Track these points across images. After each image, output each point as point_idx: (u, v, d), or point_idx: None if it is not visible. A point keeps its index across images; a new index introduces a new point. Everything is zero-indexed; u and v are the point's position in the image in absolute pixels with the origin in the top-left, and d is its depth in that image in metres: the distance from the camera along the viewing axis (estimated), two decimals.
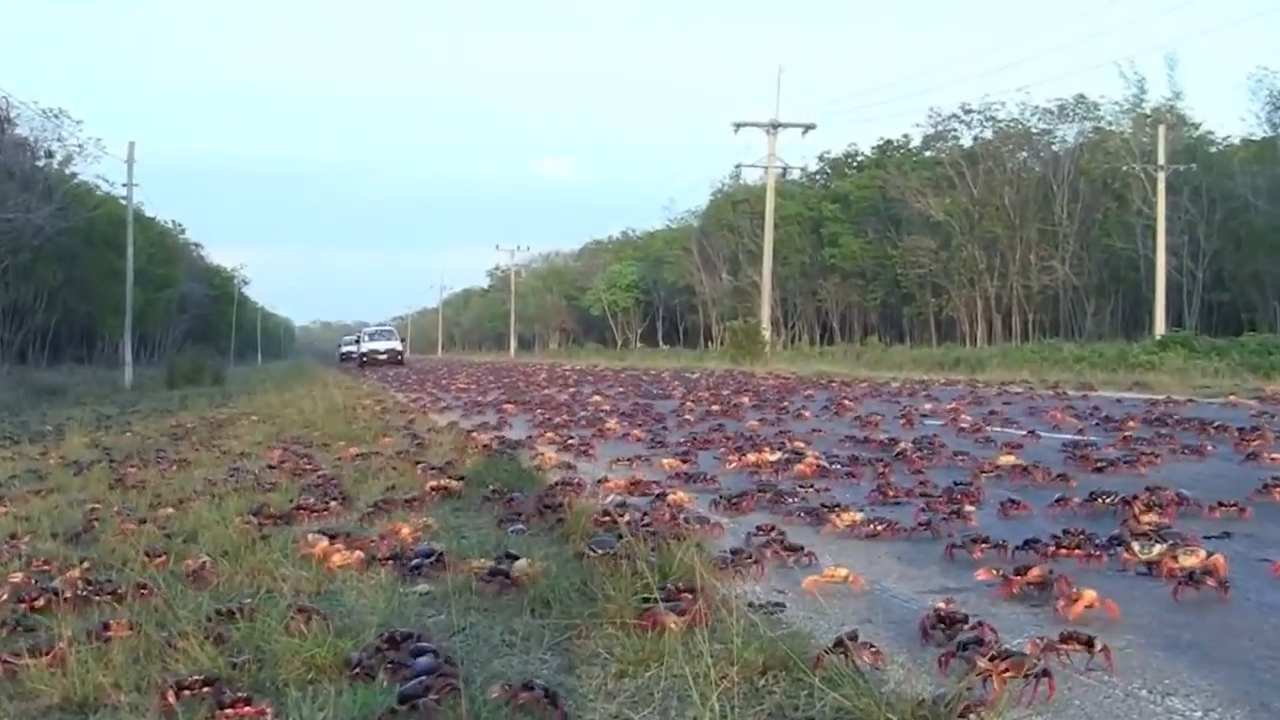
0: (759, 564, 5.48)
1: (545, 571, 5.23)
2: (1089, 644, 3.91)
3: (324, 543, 5.95)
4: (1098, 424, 13.62)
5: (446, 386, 29.43)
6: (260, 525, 6.84)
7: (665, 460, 10.11)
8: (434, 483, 8.55)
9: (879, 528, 6.59)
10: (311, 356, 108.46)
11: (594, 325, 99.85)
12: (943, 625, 4.25)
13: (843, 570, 5.25)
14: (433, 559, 5.60)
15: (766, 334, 46.88)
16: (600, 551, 5.39)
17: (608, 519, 6.50)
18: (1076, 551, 5.66)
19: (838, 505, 7.22)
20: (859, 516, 6.80)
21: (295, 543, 6.16)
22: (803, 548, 5.87)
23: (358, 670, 3.88)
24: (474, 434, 13.38)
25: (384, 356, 58.12)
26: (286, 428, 15.36)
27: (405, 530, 6.51)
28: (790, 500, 7.76)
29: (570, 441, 12.35)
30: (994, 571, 5.13)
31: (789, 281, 70.19)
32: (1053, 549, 5.67)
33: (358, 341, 65.68)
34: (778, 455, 10.30)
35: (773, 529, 6.26)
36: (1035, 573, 4.99)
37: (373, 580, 5.39)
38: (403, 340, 64.91)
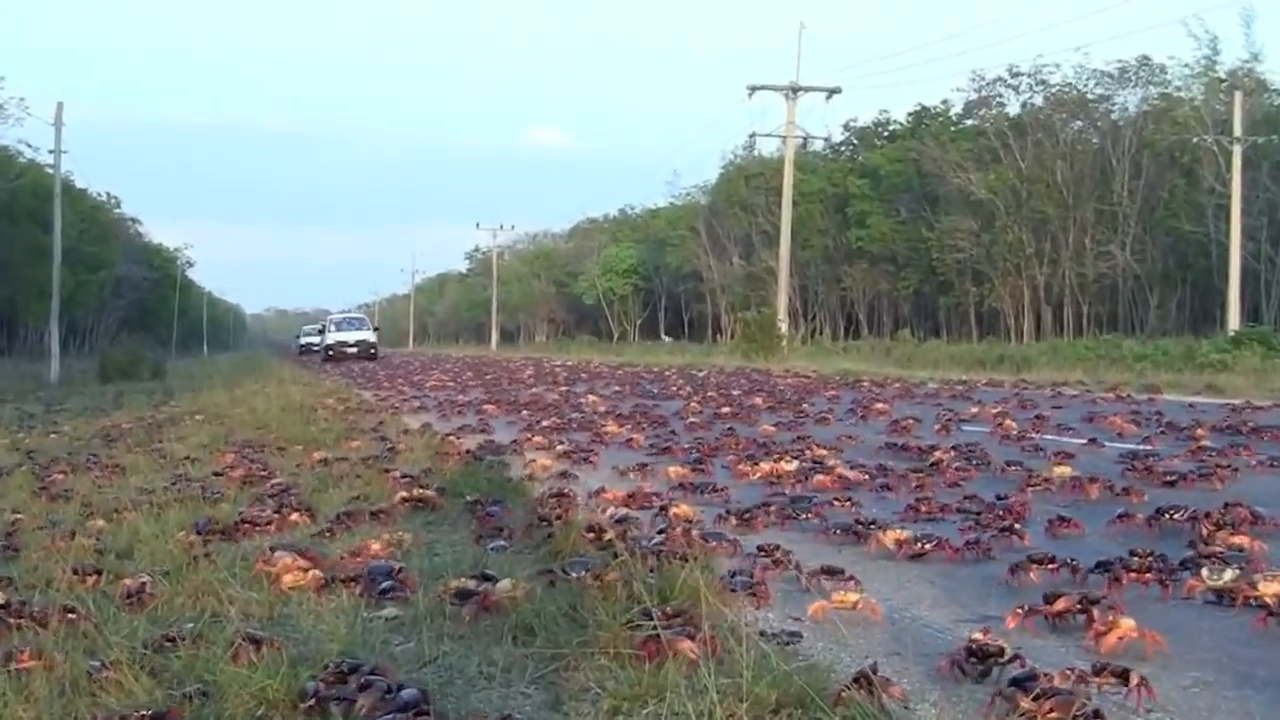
0: (762, 587, 5.48)
1: (530, 594, 5.24)
2: (1124, 676, 3.91)
3: (286, 559, 5.96)
4: (1162, 431, 13.63)
5: (420, 384, 29.46)
6: (205, 540, 6.85)
7: (671, 469, 10.14)
8: (405, 493, 8.56)
9: (927, 546, 6.60)
10: (265, 348, 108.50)
11: (587, 315, 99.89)
12: (976, 659, 4.24)
13: (852, 595, 5.26)
14: (394, 576, 5.60)
15: (783, 326, 46.95)
16: (587, 571, 5.41)
17: (598, 535, 6.53)
18: (1147, 575, 5.65)
19: (873, 521, 7.24)
20: (904, 534, 6.81)
21: (245, 560, 6.17)
22: (842, 570, 5.80)
23: (313, 704, 3.89)
24: (452, 438, 13.41)
25: (354, 349, 55.82)
26: (236, 429, 15.38)
27: (376, 546, 6.53)
28: (807, 516, 7.79)
29: (561, 447, 12.37)
30: (1020, 612, 5.09)
31: (809, 267, 70.27)
32: (1118, 574, 5.66)
33: (322, 331, 64.20)
34: (796, 464, 10.31)
35: (776, 548, 6.28)
36: (1064, 603, 4.98)
37: (333, 603, 5.40)
38: (376, 330, 63.42)
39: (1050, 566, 5.88)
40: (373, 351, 56.45)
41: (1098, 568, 5.81)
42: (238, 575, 5.81)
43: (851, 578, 5.66)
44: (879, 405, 17.91)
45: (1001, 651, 4.23)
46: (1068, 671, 3.91)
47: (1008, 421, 14.60)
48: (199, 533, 7.07)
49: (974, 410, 17.01)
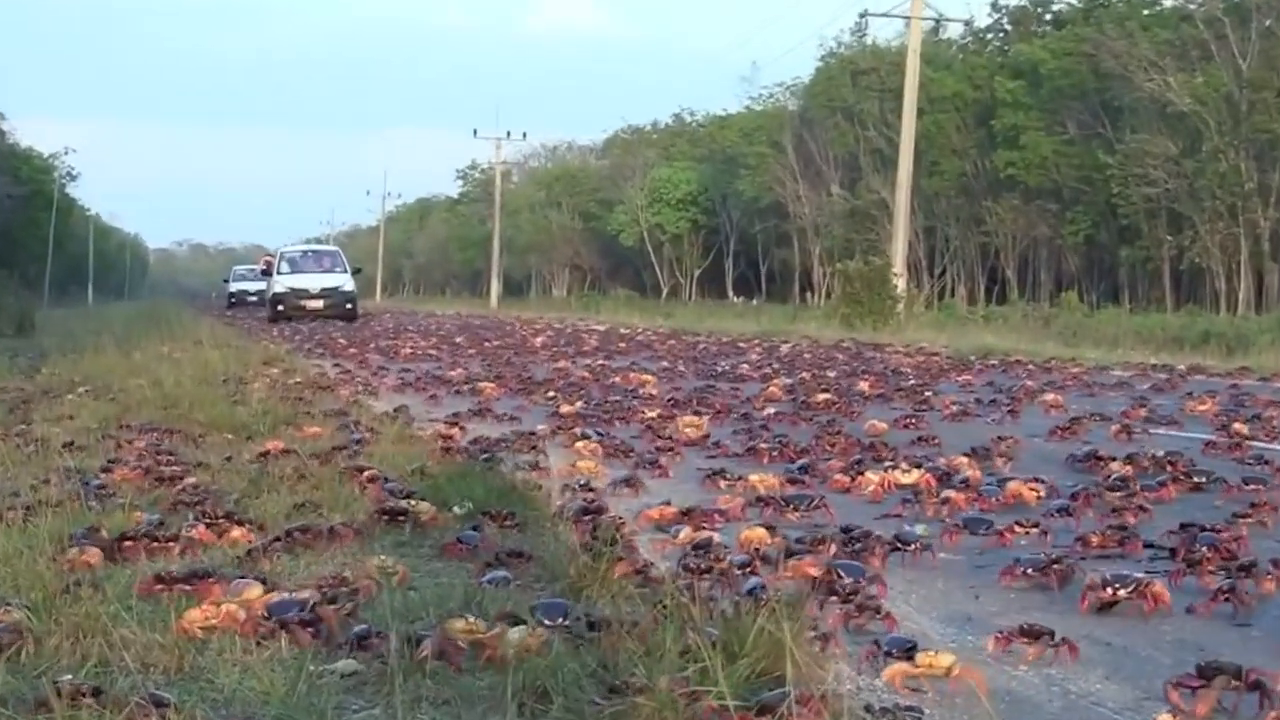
0: (830, 639, 5.57)
1: (545, 645, 5.28)
2: None
3: (246, 594, 6.01)
4: None
5: (391, 352, 29.51)
6: (89, 561, 6.85)
7: (755, 477, 10.14)
8: (375, 501, 8.69)
9: (1120, 592, 6.60)
10: (176, 297, 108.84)
11: (625, 262, 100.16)
12: None
13: (945, 658, 5.27)
14: (312, 611, 5.66)
15: (900, 283, 46.74)
16: (623, 617, 5.48)
17: (642, 569, 6.63)
18: None
19: (1056, 561, 7.27)
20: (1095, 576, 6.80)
21: (145, 586, 6.20)
22: (1050, 632, 5.80)
23: None
24: (443, 428, 13.50)
25: (320, 302, 51.12)
26: (135, 407, 15.41)
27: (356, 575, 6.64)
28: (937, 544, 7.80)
29: (593, 444, 12.43)
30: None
31: (939, 201, 70.06)
32: None
33: (267, 273, 58.49)
34: (915, 474, 10.29)
35: (856, 589, 6.42)
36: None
37: (268, 651, 5.41)
38: (358, 272, 58.74)
39: None
40: (350, 307, 52.09)
41: None
42: (135, 610, 5.82)
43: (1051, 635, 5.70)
44: (1049, 397, 17.80)
45: None
46: None
47: (1237, 425, 14.49)
48: (80, 549, 7.07)
49: (1203, 406, 16.85)
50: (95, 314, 62.11)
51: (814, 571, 6.85)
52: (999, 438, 12.95)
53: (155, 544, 7.44)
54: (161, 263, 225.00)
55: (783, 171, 77.60)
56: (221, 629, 5.64)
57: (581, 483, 10.14)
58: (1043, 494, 9.74)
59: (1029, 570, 7.27)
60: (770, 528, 8.08)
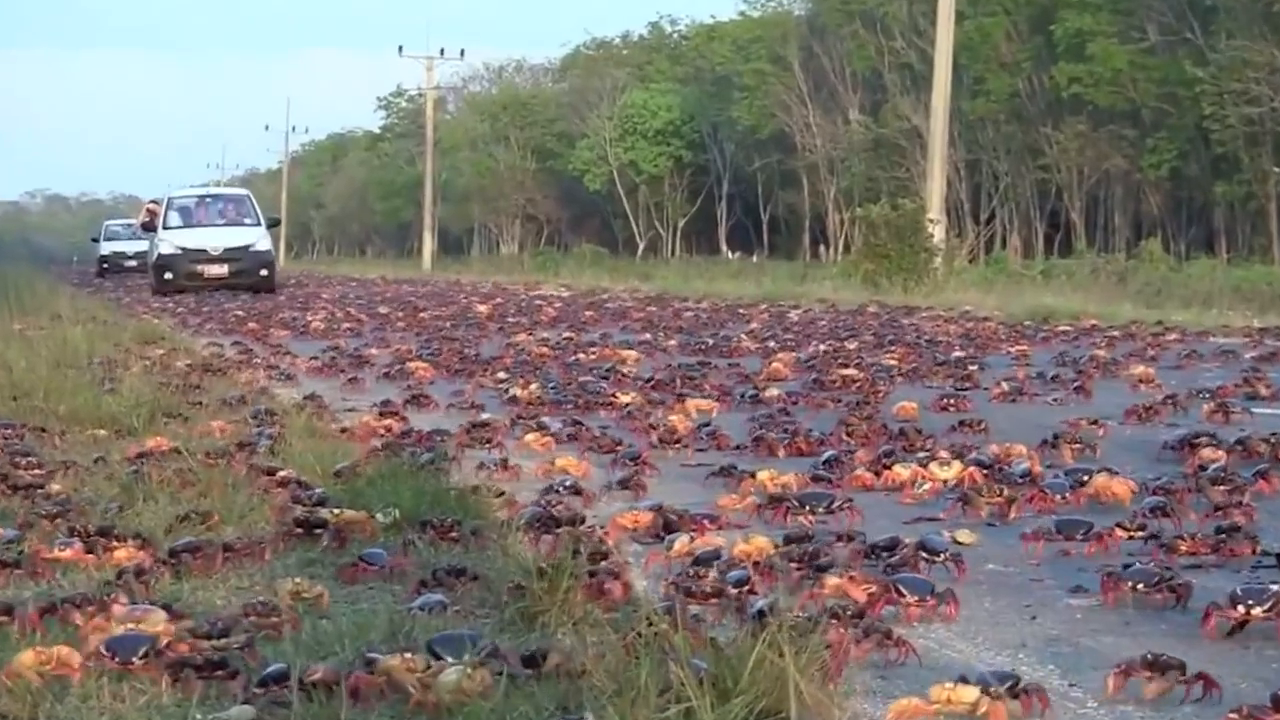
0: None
1: (490, 687, 5.32)
2: None
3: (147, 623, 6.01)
4: None
5: (299, 326, 29.47)
6: None
7: (762, 475, 10.16)
8: (279, 510, 8.74)
9: (1254, 610, 6.58)
10: (29, 260, 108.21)
11: (592, 210, 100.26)
12: None
13: (967, 691, 5.28)
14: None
15: (938, 232, 46.72)
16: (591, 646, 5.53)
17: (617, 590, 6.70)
18: None
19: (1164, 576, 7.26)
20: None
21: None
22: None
23: None
24: (372, 420, 13.58)
25: (225, 268, 46.84)
26: None
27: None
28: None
29: (557, 431, 12.58)
30: None
31: (985, 128, 70.07)
32: None
33: (150, 228, 52.35)
34: (954, 469, 10.33)
35: (875, 610, 6.48)
36: None
37: (143, 697, 5.43)
38: (275, 224, 57.35)
39: None
40: (265, 274, 47.85)
41: None
42: None
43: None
44: (1138, 370, 17.76)
45: None
46: None
47: None
48: None
49: None
50: None
51: (861, 591, 6.84)
52: (1071, 421, 12.98)
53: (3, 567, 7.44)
54: (8, 219, 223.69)
55: (788, 94, 77.75)
56: (67, 672, 5.65)
57: (566, 484, 10.08)
58: (1135, 488, 9.70)
59: (1139, 585, 7.25)
60: (802, 537, 8.07)
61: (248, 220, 49.33)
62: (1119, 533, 8.36)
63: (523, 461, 11.31)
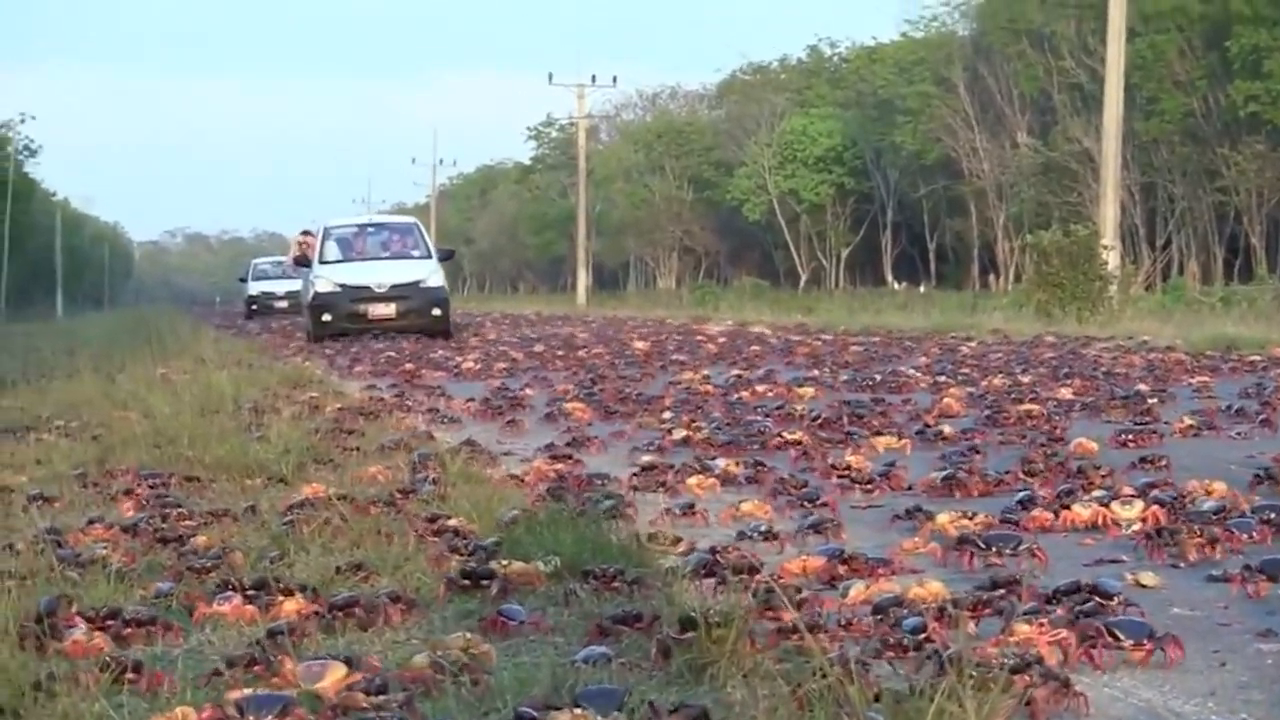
0: None
1: None
2: None
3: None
4: None
5: (451, 366, 29.57)
6: (60, 648, 6.84)
7: (946, 517, 10.07)
8: (435, 560, 8.74)
9: None
10: (170, 301, 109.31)
11: (750, 242, 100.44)
12: None
13: None
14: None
15: (1112, 259, 46.41)
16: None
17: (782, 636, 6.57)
18: None
19: None
20: None
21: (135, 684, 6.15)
22: None
23: None
24: (541, 464, 13.46)
25: (393, 308, 41.30)
26: (120, 446, 15.49)
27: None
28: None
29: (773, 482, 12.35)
30: None
31: (1159, 150, 69.56)
32: None
33: (303, 263, 45.54)
34: (1136, 509, 10.13)
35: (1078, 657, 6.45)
36: None
37: None
38: (449, 256, 50.38)
39: None
40: (439, 314, 41.90)
41: None
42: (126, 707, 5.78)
43: None
44: None
45: None
46: None
47: None
48: (45, 627, 7.01)
49: None
50: (67, 328, 62.64)
51: (1049, 639, 6.67)
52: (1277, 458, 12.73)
53: (140, 628, 7.38)
54: (149, 259, 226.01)
55: (953, 117, 77.60)
56: None
57: (760, 530, 10.04)
58: None
59: None
60: (1001, 583, 7.93)
61: (416, 252, 44.02)
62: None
63: (708, 506, 11.17)
